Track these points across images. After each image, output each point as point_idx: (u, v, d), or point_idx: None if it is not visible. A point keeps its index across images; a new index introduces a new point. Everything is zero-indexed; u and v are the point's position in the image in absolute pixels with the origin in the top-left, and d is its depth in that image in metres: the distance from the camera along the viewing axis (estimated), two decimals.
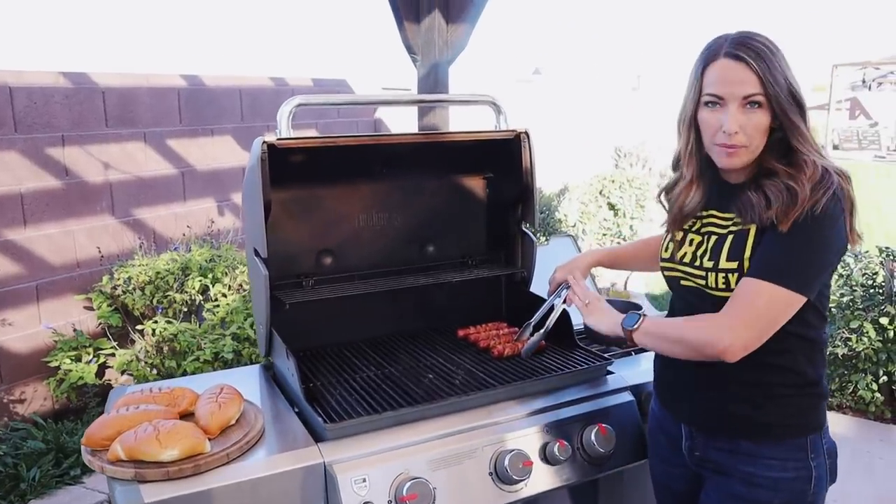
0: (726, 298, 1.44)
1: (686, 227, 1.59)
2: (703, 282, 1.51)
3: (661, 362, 1.69)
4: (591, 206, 8.33)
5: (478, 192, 2.35)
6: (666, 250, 1.63)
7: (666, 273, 1.63)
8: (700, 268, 1.52)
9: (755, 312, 1.37)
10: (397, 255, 2.24)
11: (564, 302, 1.96)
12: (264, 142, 1.73)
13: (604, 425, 1.72)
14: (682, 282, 1.58)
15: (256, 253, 1.82)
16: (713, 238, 1.52)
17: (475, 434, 1.63)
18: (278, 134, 1.77)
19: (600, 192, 8.54)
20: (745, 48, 1.38)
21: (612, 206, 8.56)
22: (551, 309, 2.00)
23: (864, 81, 22.37)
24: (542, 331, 1.96)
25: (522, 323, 2.13)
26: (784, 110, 1.39)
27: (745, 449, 1.51)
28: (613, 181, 8.66)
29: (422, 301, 2.25)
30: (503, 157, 2.17)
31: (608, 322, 1.65)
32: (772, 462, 1.49)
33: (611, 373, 1.93)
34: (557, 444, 1.66)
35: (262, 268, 1.78)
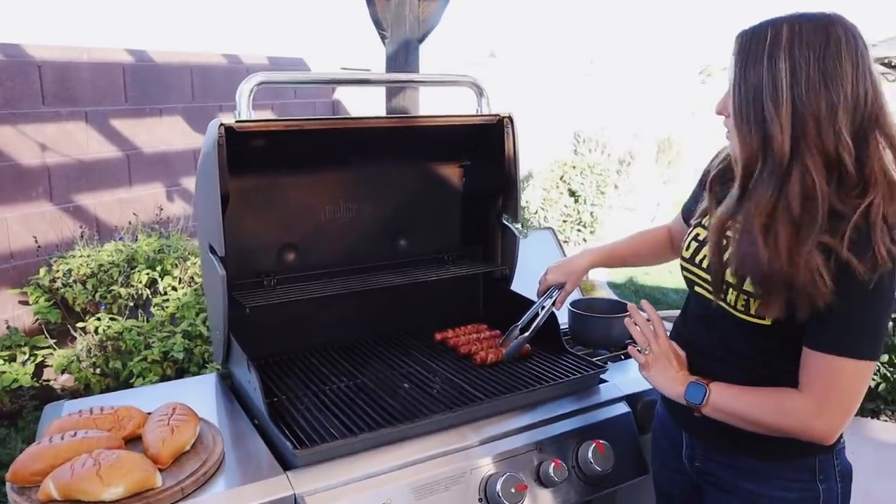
0: (745, 322, 1.29)
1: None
2: (721, 295, 1.34)
3: None
4: (553, 193, 8.23)
5: (454, 182, 2.17)
6: (687, 248, 1.46)
7: (684, 273, 1.48)
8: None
9: (840, 394, 1.20)
10: (368, 251, 2.04)
11: (554, 304, 1.86)
12: (222, 124, 1.52)
13: (601, 441, 1.57)
14: (697, 288, 1.43)
15: (212, 250, 1.61)
16: None
17: (463, 455, 1.46)
18: (237, 115, 1.57)
19: (561, 178, 8.45)
20: (747, 31, 1.21)
21: (572, 193, 8.48)
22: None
23: None
24: (527, 334, 1.83)
25: (503, 324, 1.97)
26: (738, 116, 1.20)
27: (747, 465, 1.38)
28: (574, 167, 8.58)
29: (394, 300, 2.06)
30: (483, 143, 2.00)
31: (670, 388, 1.41)
32: (776, 481, 1.36)
33: (604, 381, 1.78)
34: (553, 463, 1.50)
35: (219, 267, 1.57)
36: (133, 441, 1.39)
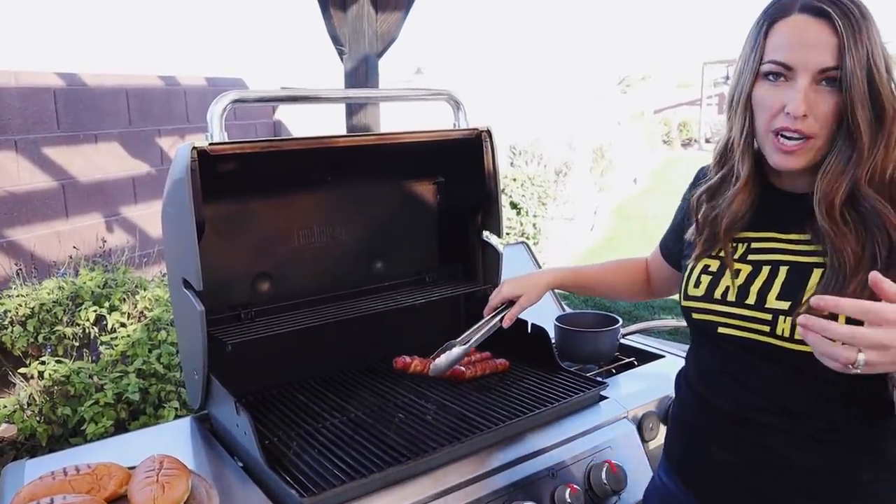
0: (803, 354, 1.05)
1: (722, 252, 1.22)
2: (764, 328, 1.12)
3: (697, 444, 1.28)
4: None
5: (429, 200, 2.10)
6: (696, 285, 1.23)
7: (696, 315, 1.23)
8: (762, 309, 1.13)
9: None
10: (345, 276, 1.95)
11: (501, 321, 1.63)
12: (194, 147, 1.41)
13: (614, 462, 1.52)
14: (721, 329, 1.19)
15: (187, 284, 1.49)
16: (783, 269, 1.14)
17: (478, 487, 1.38)
18: (209, 138, 1.47)
19: (502, 191, 8.46)
20: (832, 2, 1.03)
21: (514, 206, 8.53)
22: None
23: (727, 78, 23.92)
24: (461, 350, 1.59)
25: (493, 346, 1.89)
26: (852, 101, 1.02)
27: None
28: (515, 180, 8.64)
29: (375, 326, 1.95)
30: (458, 158, 1.94)
31: None
32: None
33: (604, 397, 1.73)
34: (568, 489, 1.43)
35: (197, 303, 1.45)
36: (117, 502, 1.25)
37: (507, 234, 8.28)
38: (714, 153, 1.27)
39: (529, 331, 1.88)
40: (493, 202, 1.95)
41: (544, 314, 2.12)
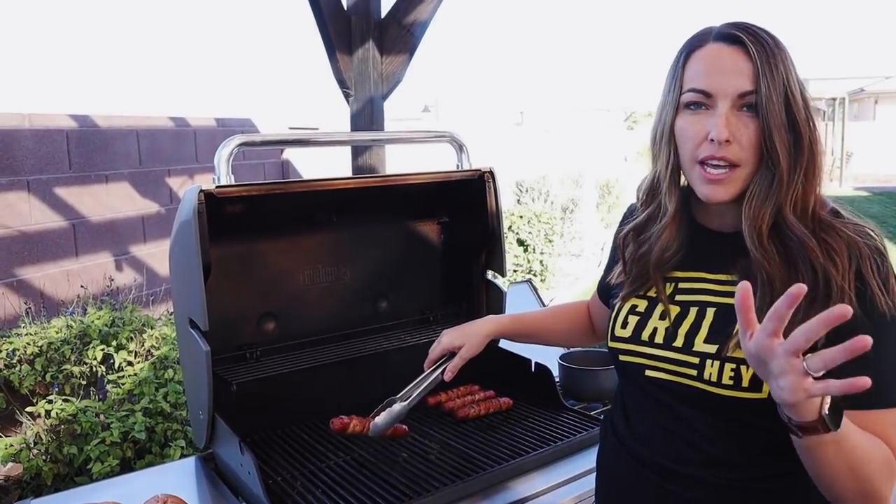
0: (731, 401, 1.03)
1: (651, 292, 1.18)
2: (692, 371, 1.08)
3: (622, 497, 1.22)
4: None
5: (433, 239, 2.13)
6: (624, 326, 1.19)
7: (622, 357, 1.18)
8: (689, 352, 1.09)
9: None
10: (349, 315, 1.97)
11: (442, 374, 1.53)
12: (202, 190, 1.44)
13: None
14: (648, 372, 1.14)
15: (192, 324, 1.51)
16: (711, 311, 1.10)
17: None
18: (216, 181, 1.50)
19: (509, 228, 8.52)
20: (744, 31, 1.04)
21: (521, 243, 8.55)
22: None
23: None
24: (404, 404, 1.49)
25: (496, 385, 1.91)
26: (769, 126, 1.01)
27: None
28: (522, 217, 8.68)
29: (379, 365, 1.96)
30: (461, 199, 1.97)
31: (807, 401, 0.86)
32: None
33: None
34: None
35: (202, 343, 1.47)
36: None
37: (515, 271, 8.29)
38: (640, 192, 1.23)
39: (533, 369, 1.89)
40: (496, 241, 1.98)
41: (548, 352, 2.12)
